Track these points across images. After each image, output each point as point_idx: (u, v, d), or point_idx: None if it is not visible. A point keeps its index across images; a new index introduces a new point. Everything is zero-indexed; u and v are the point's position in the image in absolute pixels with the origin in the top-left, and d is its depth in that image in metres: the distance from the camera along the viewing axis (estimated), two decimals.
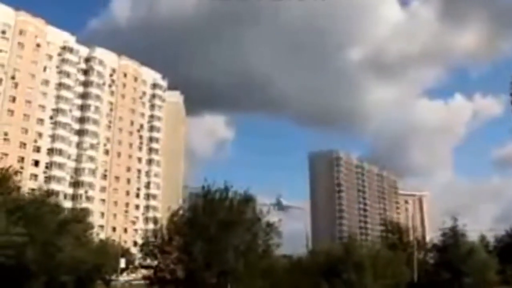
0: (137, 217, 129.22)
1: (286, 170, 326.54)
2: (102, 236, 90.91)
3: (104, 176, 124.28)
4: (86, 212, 74.51)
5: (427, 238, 72.89)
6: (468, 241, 58.52)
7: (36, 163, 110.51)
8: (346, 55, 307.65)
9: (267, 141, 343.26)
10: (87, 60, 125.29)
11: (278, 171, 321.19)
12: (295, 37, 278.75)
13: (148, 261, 39.10)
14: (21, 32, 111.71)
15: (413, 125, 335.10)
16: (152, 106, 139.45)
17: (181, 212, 39.01)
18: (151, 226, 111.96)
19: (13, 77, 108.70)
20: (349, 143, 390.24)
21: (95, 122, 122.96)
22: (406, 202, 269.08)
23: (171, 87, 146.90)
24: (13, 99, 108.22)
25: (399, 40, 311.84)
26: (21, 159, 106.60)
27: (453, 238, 57.55)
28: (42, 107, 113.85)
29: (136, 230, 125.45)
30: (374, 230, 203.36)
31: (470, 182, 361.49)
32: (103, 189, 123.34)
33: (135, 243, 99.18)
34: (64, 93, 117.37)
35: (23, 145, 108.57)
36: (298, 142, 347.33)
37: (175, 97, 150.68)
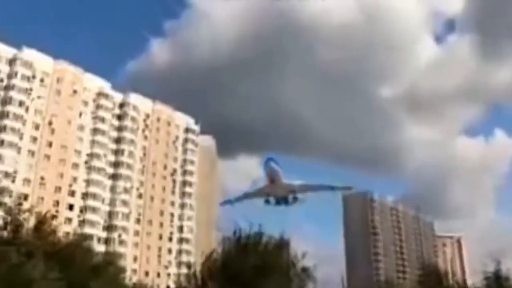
0: (170, 262, 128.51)
1: (321, 212, 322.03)
2: (135, 280, 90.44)
3: (138, 220, 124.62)
4: (119, 256, 74.42)
5: (468, 282, 70.32)
6: None
7: (71, 207, 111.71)
8: (381, 93, 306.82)
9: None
10: (122, 105, 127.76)
11: (312, 212, 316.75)
12: (328, 76, 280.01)
13: None
14: (58, 80, 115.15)
15: (452, 164, 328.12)
16: (185, 150, 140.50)
17: (214, 257, 38.51)
18: (184, 270, 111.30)
19: (50, 123, 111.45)
20: (384, 183, 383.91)
21: (129, 166, 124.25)
22: (444, 245, 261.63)
23: (204, 131, 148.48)
24: (50, 144, 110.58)
25: (436, 76, 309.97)
26: (56, 203, 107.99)
27: (496, 282, 55.16)
28: (78, 152, 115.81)
29: (169, 274, 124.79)
30: (412, 273, 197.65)
31: None
32: (136, 233, 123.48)
33: None
34: (98, 138, 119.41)
35: (58, 189, 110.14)
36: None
37: (208, 141, 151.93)
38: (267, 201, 58.17)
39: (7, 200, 45.56)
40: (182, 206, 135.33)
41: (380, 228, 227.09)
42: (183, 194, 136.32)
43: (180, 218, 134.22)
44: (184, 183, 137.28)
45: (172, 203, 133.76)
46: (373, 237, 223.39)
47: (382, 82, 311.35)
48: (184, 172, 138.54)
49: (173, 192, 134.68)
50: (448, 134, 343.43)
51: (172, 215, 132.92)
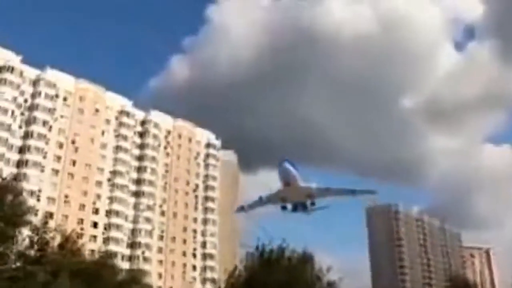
0: (194, 278, 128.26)
1: (344, 225, 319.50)
2: None
3: (161, 237, 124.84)
4: (143, 273, 74.63)
5: None
6: None
7: (95, 224, 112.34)
8: (402, 103, 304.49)
9: None
10: (143, 123, 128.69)
11: (336, 226, 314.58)
12: (348, 87, 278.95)
13: None
14: (81, 99, 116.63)
15: (478, 173, 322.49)
16: (207, 166, 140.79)
17: (237, 272, 38.36)
18: (209, 287, 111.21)
19: (73, 142, 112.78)
20: (408, 194, 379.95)
21: (151, 183, 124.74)
22: (472, 256, 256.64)
23: (225, 146, 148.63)
24: (73, 163, 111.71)
25: (457, 84, 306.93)
26: (81, 221, 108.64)
27: None
28: (101, 169, 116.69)
29: None
30: (439, 286, 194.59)
31: None
32: (160, 250, 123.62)
33: None
34: (121, 155, 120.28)
35: (82, 207, 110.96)
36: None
37: (229, 156, 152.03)
38: (283, 207, 52.65)
39: (32, 218, 46.16)
40: (205, 221, 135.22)
41: (406, 240, 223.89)
42: (205, 210, 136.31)
43: (203, 234, 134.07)
44: (207, 199, 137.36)
45: (195, 219, 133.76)
46: (398, 249, 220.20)
47: (402, 92, 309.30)
48: (206, 188, 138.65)
49: (195, 208, 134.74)
50: (473, 142, 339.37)
51: (195, 231, 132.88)
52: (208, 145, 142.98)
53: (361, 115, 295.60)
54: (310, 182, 53.25)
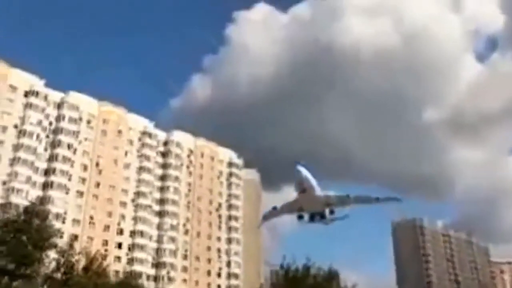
0: None
1: (370, 240, 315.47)
2: None
3: (185, 256, 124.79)
4: None
5: None
6: None
7: (120, 245, 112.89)
8: (425, 117, 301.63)
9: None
10: (165, 143, 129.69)
11: (361, 242, 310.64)
12: (369, 102, 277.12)
13: None
14: (104, 121, 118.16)
15: (504, 184, 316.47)
16: (230, 185, 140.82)
17: None
18: None
19: (97, 164, 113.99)
20: (433, 209, 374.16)
21: (175, 203, 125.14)
22: (502, 271, 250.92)
23: (248, 164, 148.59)
24: (98, 184, 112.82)
25: (480, 96, 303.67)
26: (105, 242, 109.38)
27: None
28: (125, 190, 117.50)
29: None
30: None
31: None
32: (184, 269, 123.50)
33: None
34: (144, 176, 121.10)
35: (107, 228, 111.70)
36: (381, 211, 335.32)
37: (252, 175, 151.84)
38: (300, 217, 47.60)
39: (58, 241, 46.69)
40: (229, 241, 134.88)
41: (432, 255, 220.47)
42: (229, 229, 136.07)
43: (228, 253, 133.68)
44: (230, 218, 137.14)
45: (219, 238, 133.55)
46: (426, 265, 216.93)
47: (425, 104, 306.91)
48: (230, 207, 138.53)
49: (219, 227, 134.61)
50: (498, 154, 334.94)
51: (219, 250, 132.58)
52: (230, 164, 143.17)
53: (383, 129, 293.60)
54: (329, 192, 50.04)
